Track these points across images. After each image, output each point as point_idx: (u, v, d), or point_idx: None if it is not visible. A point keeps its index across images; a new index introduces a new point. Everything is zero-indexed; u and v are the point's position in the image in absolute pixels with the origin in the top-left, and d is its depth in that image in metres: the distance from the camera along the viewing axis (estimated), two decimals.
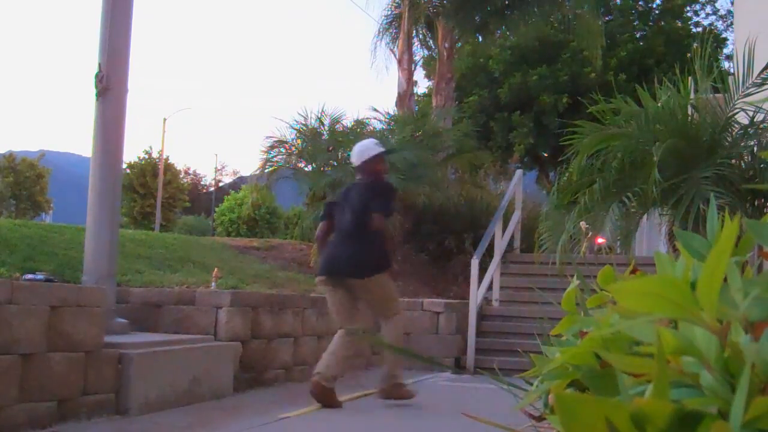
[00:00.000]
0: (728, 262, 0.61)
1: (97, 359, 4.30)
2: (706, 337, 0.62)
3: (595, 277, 1.05)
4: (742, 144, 5.28)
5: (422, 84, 22.32)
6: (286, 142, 10.67)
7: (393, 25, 14.41)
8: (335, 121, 10.81)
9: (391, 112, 12.17)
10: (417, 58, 15.07)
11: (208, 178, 52.34)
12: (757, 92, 5.14)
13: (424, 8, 13.90)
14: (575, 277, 1.11)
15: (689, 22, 20.76)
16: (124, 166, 27.07)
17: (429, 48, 15.60)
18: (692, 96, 5.39)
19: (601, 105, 5.47)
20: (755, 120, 5.21)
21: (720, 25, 21.40)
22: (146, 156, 31.29)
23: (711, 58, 5.58)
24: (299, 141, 10.73)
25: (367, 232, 5.11)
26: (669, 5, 20.06)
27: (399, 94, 13.59)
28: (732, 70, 5.72)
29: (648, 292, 0.59)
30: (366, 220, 5.10)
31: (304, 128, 10.64)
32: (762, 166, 5.13)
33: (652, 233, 8.93)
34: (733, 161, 5.21)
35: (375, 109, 11.89)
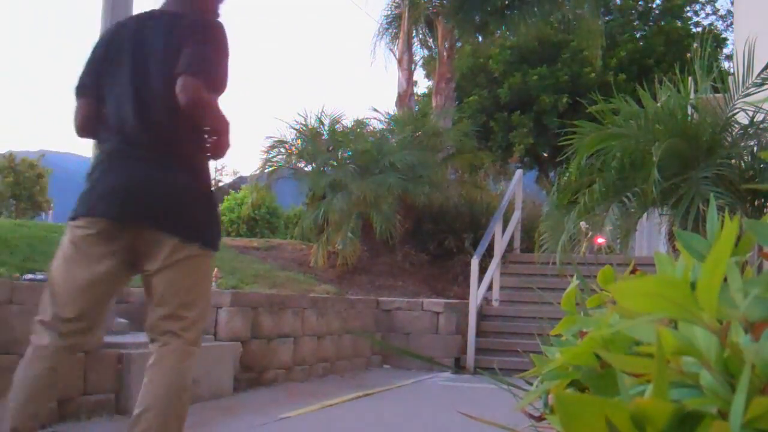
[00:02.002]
0: (728, 262, 0.61)
1: (97, 359, 4.30)
2: (706, 337, 0.62)
3: (595, 277, 1.05)
4: (742, 144, 5.28)
5: (422, 84, 22.32)
6: (286, 142, 10.68)
7: (393, 25, 14.41)
8: (335, 121, 10.81)
9: (391, 112, 12.18)
10: (417, 58, 15.08)
11: None
12: (757, 92, 5.14)
13: (424, 8, 13.91)
14: (575, 277, 1.11)
15: (689, 22, 20.75)
16: None
17: (429, 48, 15.60)
18: (692, 96, 5.39)
19: (600, 105, 5.47)
20: (755, 120, 5.21)
21: (720, 25, 21.40)
22: None
23: (711, 58, 5.58)
24: (299, 141, 10.73)
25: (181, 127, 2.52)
26: (669, 5, 20.05)
27: (399, 94, 13.60)
28: (732, 70, 5.72)
29: (648, 292, 0.59)
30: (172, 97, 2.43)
31: (304, 128, 10.65)
32: (762, 166, 5.13)
33: (652, 233, 8.93)
34: (733, 161, 5.21)
35: (375, 109, 11.92)
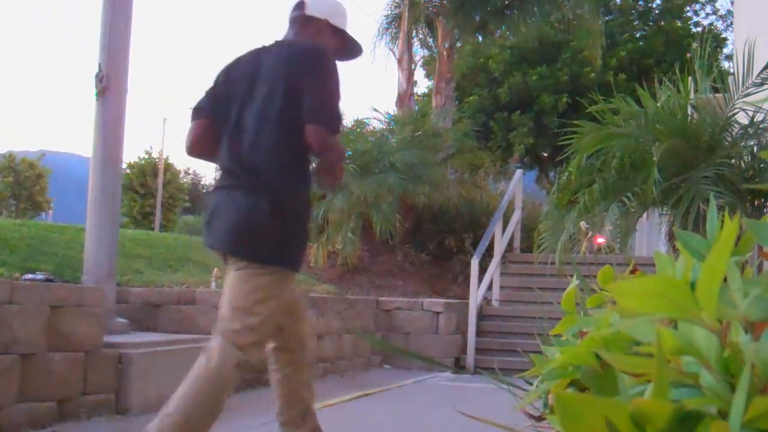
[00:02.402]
0: (728, 262, 0.61)
1: (97, 359, 4.30)
2: (706, 337, 0.62)
3: (595, 277, 1.05)
4: (742, 144, 5.28)
5: (422, 84, 22.34)
6: None
7: (393, 24, 14.41)
8: None
9: (391, 112, 12.19)
10: (417, 58, 15.08)
11: (208, 178, 52.36)
12: (757, 92, 5.14)
13: (423, 8, 13.91)
14: (575, 276, 1.11)
15: (689, 22, 20.76)
16: (124, 166, 27.08)
17: (429, 48, 15.61)
18: (692, 96, 5.39)
19: (600, 105, 5.47)
20: (755, 120, 5.21)
21: (720, 25, 21.41)
22: (146, 156, 31.31)
23: (711, 58, 5.59)
24: None
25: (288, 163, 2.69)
26: (669, 5, 20.05)
27: (399, 94, 13.60)
28: (732, 70, 5.72)
29: (648, 292, 0.59)
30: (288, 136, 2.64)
31: None
32: (762, 166, 5.13)
33: (652, 233, 8.93)
34: (733, 161, 5.21)
35: (375, 109, 11.94)
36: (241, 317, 2.62)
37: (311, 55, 2.70)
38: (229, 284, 2.69)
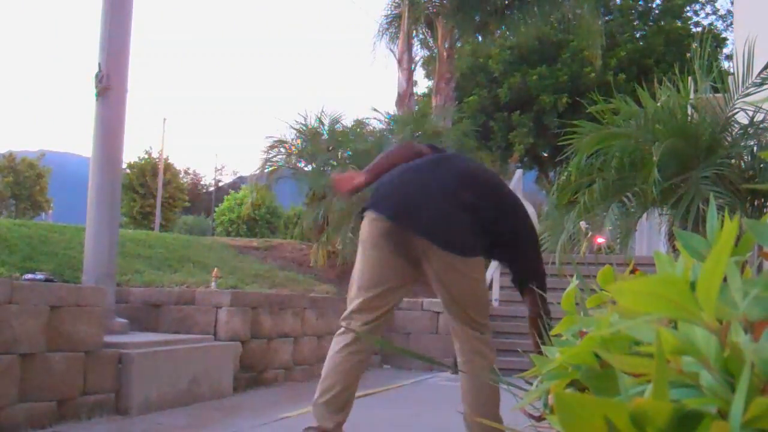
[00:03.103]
0: (728, 262, 0.61)
1: (97, 359, 4.30)
2: (706, 337, 0.62)
3: (595, 277, 1.05)
4: (742, 144, 5.27)
5: (422, 84, 22.33)
6: (286, 142, 10.68)
7: (393, 25, 14.41)
8: (335, 121, 10.81)
9: (391, 112, 12.19)
10: (417, 58, 15.08)
11: (208, 178, 52.36)
12: (757, 92, 5.14)
13: (423, 8, 13.91)
14: (575, 277, 1.11)
15: (689, 22, 20.76)
16: (124, 166, 27.09)
17: (429, 48, 15.61)
18: (692, 96, 5.38)
19: (600, 105, 5.46)
20: (755, 120, 5.21)
21: (720, 25, 21.41)
22: (146, 156, 31.31)
23: (711, 58, 5.58)
24: (299, 141, 10.74)
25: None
26: (669, 5, 20.06)
27: (399, 94, 13.60)
28: (732, 70, 5.72)
29: (648, 292, 0.59)
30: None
31: (304, 128, 10.65)
32: (762, 166, 5.12)
33: (652, 233, 8.93)
34: (733, 161, 5.20)
35: (375, 109, 11.93)
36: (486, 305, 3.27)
37: (513, 200, 3.23)
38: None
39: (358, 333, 2.91)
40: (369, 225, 2.94)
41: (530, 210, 6.59)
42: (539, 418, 1.08)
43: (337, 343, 2.97)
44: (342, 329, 2.99)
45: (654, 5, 20.56)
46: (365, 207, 3.01)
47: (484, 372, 2.89)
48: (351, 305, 2.96)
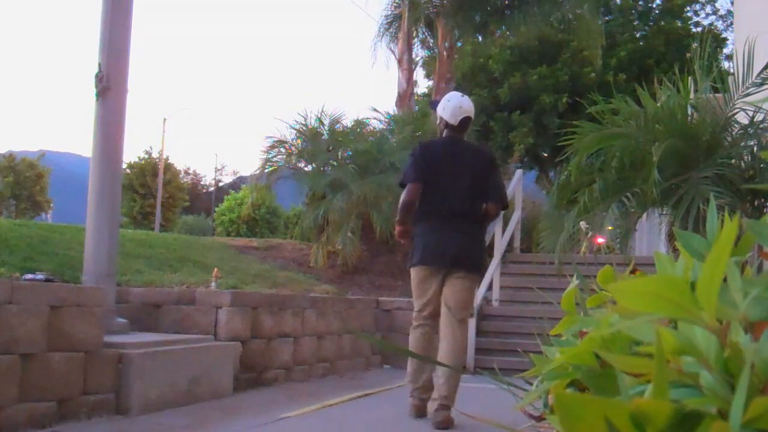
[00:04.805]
0: (728, 262, 0.61)
1: (97, 359, 4.30)
2: (706, 337, 0.62)
3: (595, 277, 1.05)
4: (742, 144, 5.27)
5: (422, 84, 22.32)
6: (286, 142, 10.68)
7: (393, 25, 14.42)
8: (335, 121, 10.82)
9: (391, 112, 12.19)
10: (417, 58, 15.09)
11: (208, 178, 52.39)
12: (757, 92, 5.14)
13: (423, 8, 13.91)
14: (575, 276, 1.11)
15: (689, 22, 20.75)
16: (124, 166, 27.08)
17: (429, 48, 15.62)
18: (692, 96, 5.38)
19: (600, 105, 5.46)
20: (755, 120, 5.21)
21: (720, 25, 21.41)
22: (146, 156, 31.32)
23: (711, 58, 5.58)
24: (299, 141, 10.74)
25: (480, 218, 4.53)
26: (669, 5, 20.05)
27: (399, 93, 13.61)
28: (732, 70, 5.72)
29: (648, 292, 0.60)
30: (480, 204, 4.47)
31: (304, 128, 10.65)
32: (762, 166, 5.12)
33: (652, 233, 8.93)
34: (733, 161, 5.20)
35: (375, 109, 11.94)
36: (470, 307, 4.74)
37: (490, 157, 4.79)
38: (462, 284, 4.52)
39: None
40: (421, 271, 4.50)
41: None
42: (539, 418, 1.08)
43: (413, 330, 4.60)
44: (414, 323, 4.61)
45: (654, 5, 20.55)
46: (413, 263, 4.54)
47: (464, 335, 4.55)
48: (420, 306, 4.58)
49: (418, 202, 4.46)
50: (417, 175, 4.42)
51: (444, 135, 4.64)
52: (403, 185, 4.52)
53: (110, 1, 5.28)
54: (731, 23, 19.19)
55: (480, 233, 4.64)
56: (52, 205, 36.45)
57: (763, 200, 5.14)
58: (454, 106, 4.65)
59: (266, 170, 10.65)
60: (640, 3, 20.44)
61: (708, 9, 21.75)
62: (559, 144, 6.16)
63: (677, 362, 0.63)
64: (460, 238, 4.40)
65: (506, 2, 14.14)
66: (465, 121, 4.64)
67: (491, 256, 8.67)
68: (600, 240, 6.18)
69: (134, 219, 28.77)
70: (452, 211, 4.41)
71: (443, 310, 4.43)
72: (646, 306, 0.60)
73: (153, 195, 29.25)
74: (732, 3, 14.13)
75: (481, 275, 5.07)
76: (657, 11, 20.47)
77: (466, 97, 4.78)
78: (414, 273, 4.51)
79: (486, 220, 4.60)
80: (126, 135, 5.39)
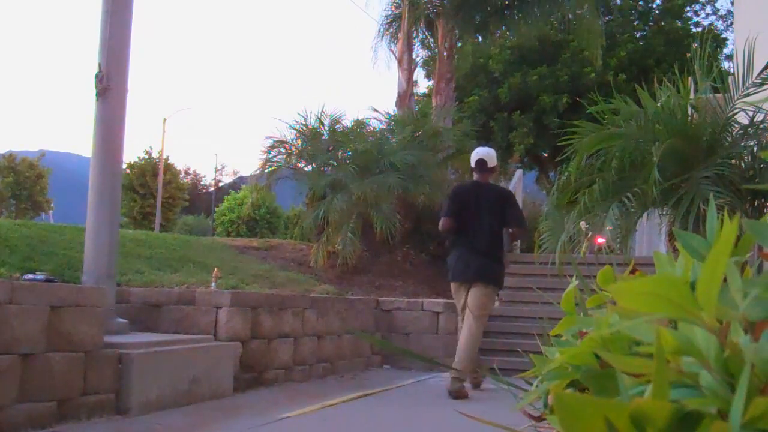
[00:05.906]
0: (728, 262, 0.61)
1: (97, 359, 4.30)
2: (706, 337, 0.62)
3: (595, 277, 1.05)
4: (742, 144, 5.27)
5: (422, 84, 22.33)
6: (286, 142, 10.68)
7: (393, 25, 14.41)
8: (335, 121, 10.81)
9: (391, 112, 12.19)
10: (417, 58, 15.07)
11: (208, 178, 52.41)
12: (757, 92, 5.14)
13: (423, 8, 13.91)
14: (575, 277, 1.11)
15: (689, 22, 20.76)
16: (124, 166, 27.08)
17: (429, 48, 15.61)
18: (692, 96, 5.38)
19: (600, 105, 5.46)
20: (755, 120, 5.21)
21: (720, 25, 21.41)
22: (146, 156, 31.31)
23: (711, 58, 5.58)
24: (299, 141, 10.73)
25: (497, 244, 5.96)
26: (669, 5, 20.05)
27: (399, 94, 13.60)
28: (732, 70, 5.72)
29: (648, 292, 0.59)
30: (497, 232, 5.98)
31: (304, 128, 10.65)
32: (762, 166, 5.12)
33: (652, 233, 8.92)
34: (733, 161, 5.20)
35: (375, 109, 11.92)
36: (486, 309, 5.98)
37: (508, 194, 6.27)
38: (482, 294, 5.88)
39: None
40: (454, 285, 5.96)
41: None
42: (539, 418, 1.08)
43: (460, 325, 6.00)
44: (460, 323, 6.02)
45: (654, 5, 20.56)
46: (449, 279, 6.02)
47: (478, 329, 5.85)
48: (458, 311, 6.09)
49: (453, 231, 5.96)
50: (448, 212, 5.95)
51: (473, 177, 6.15)
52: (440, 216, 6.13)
53: (110, 1, 5.27)
54: (731, 23, 19.19)
55: (498, 254, 5.92)
56: (52, 205, 36.44)
57: (763, 200, 5.14)
58: (473, 154, 6.19)
59: (266, 170, 10.64)
60: (640, 3, 20.45)
61: (708, 9, 21.77)
62: (559, 144, 6.16)
63: (677, 362, 0.63)
64: (480, 259, 5.81)
65: (506, 2, 14.13)
66: (480, 163, 6.03)
67: None
68: (600, 240, 6.17)
69: (134, 219, 28.77)
70: (475, 240, 5.85)
71: (467, 310, 5.82)
72: (646, 306, 0.60)
73: (153, 195, 29.24)
74: (732, 3, 14.13)
75: (499, 286, 6.07)
76: (657, 11, 20.48)
77: (485, 148, 6.34)
78: (451, 286, 6.02)
79: (510, 241, 6.34)
80: (126, 135, 5.39)
